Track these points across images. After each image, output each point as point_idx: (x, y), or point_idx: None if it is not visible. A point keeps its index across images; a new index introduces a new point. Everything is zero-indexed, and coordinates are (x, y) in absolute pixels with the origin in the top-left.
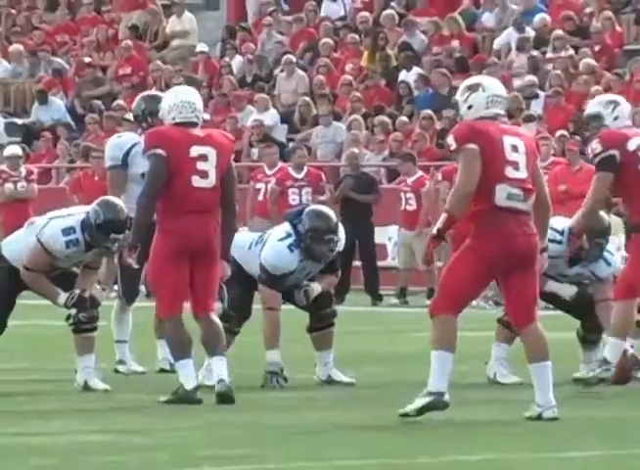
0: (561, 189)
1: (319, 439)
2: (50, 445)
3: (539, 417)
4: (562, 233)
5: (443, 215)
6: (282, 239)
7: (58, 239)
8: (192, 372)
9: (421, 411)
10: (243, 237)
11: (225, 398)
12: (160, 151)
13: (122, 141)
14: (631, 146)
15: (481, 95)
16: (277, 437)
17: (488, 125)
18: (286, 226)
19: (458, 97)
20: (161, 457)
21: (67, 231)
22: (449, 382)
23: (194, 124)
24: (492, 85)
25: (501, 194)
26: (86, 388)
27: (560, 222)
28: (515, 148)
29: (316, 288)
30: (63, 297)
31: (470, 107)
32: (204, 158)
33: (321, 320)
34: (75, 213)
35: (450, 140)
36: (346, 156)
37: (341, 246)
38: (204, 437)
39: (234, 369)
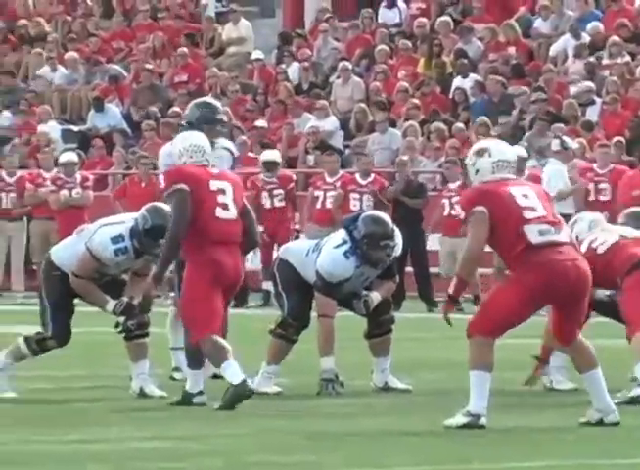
0: (635, 194)
1: (375, 445)
2: (107, 451)
3: (600, 422)
4: None
5: (454, 280)
6: (338, 246)
7: (107, 247)
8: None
9: (461, 428)
10: (300, 244)
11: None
12: (182, 186)
13: None
14: None
15: (487, 160)
16: (333, 443)
17: (494, 184)
18: (342, 233)
19: (467, 161)
20: (216, 464)
21: (115, 239)
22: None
23: (204, 167)
24: (499, 150)
25: (532, 233)
26: (142, 394)
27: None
28: (525, 195)
29: (376, 297)
30: (111, 304)
31: (477, 171)
32: (222, 191)
33: (379, 326)
34: (125, 221)
35: (460, 209)
36: (396, 162)
37: (398, 251)
38: (259, 443)
39: (291, 376)
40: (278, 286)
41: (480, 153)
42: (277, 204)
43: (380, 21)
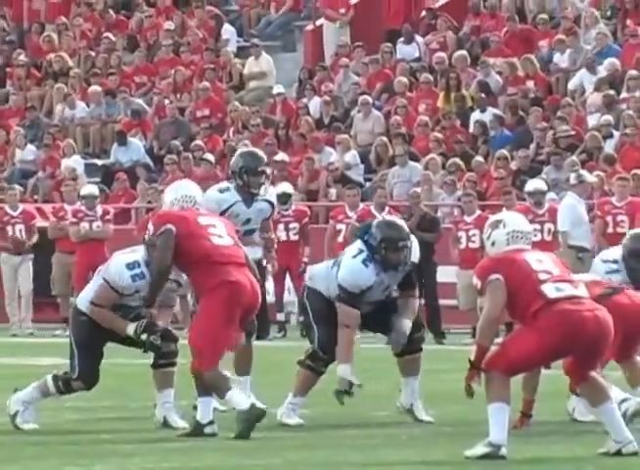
0: None
1: None
2: None
3: (619, 453)
4: (616, 262)
5: (475, 347)
6: (355, 256)
7: (123, 274)
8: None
9: (480, 458)
10: (319, 267)
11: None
12: (168, 225)
13: (223, 198)
14: None
15: (502, 232)
16: None
17: (506, 253)
18: (357, 244)
19: (484, 235)
20: None
21: (131, 265)
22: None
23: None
24: (513, 221)
25: (549, 290)
26: (165, 424)
27: (612, 253)
28: (540, 261)
29: (407, 324)
30: (132, 326)
31: (493, 243)
32: (212, 226)
33: (410, 344)
34: (138, 250)
35: (475, 281)
36: (409, 195)
37: (414, 256)
38: None
39: (317, 406)
40: (309, 316)
41: (494, 225)
42: (292, 237)
43: (399, 56)
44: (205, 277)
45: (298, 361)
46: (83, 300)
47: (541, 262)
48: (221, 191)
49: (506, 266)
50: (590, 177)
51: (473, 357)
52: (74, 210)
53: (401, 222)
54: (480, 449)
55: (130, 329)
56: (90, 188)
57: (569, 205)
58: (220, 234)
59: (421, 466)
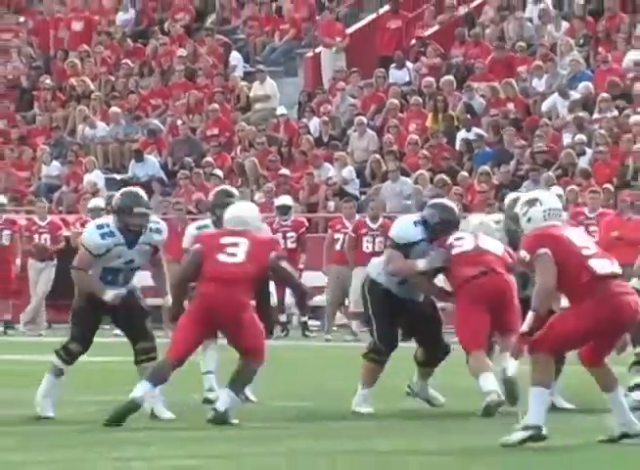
0: (613, 235)
1: (388, 462)
2: (148, 467)
3: (625, 436)
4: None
5: (531, 314)
6: (410, 217)
7: (93, 233)
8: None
9: (521, 443)
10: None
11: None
12: (197, 246)
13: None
14: None
15: (539, 209)
16: (350, 460)
17: (550, 229)
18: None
19: (518, 210)
20: None
21: (100, 226)
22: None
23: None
24: (549, 199)
25: (596, 266)
26: (153, 415)
27: None
28: (580, 237)
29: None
30: (110, 293)
31: (529, 220)
32: (234, 244)
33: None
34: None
35: (523, 254)
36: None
37: None
38: (285, 462)
39: (315, 400)
40: (369, 310)
41: (531, 203)
42: (289, 245)
43: (391, 80)
44: (198, 290)
45: (363, 355)
46: None
47: (581, 238)
48: (199, 227)
49: (551, 242)
50: (559, 190)
51: (529, 325)
52: (82, 220)
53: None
54: (518, 435)
55: (108, 296)
56: (96, 201)
57: None
58: (235, 252)
59: (409, 454)
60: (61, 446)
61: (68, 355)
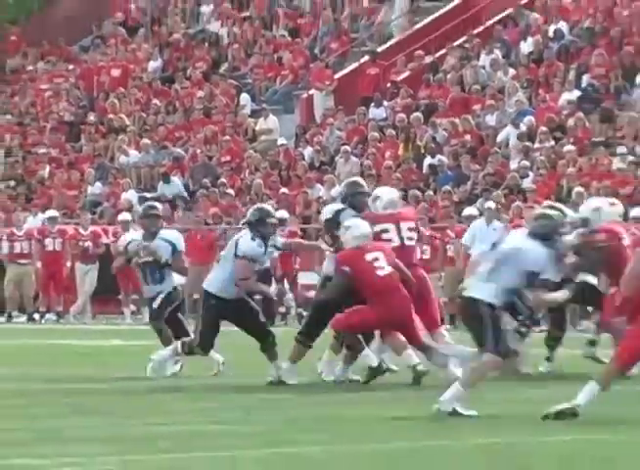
0: None
1: (376, 426)
2: (173, 432)
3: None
4: None
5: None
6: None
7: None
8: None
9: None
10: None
11: None
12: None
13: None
14: None
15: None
16: (341, 425)
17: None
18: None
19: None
20: (258, 440)
21: (253, 237)
22: None
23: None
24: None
25: None
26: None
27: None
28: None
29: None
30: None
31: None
32: (376, 259)
33: None
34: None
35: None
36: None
37: None
38: (288, 427)
39: (311, 376)
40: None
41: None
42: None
43: (370, 116)
44: None
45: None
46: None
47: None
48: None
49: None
50: (492, 204)
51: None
52: (113, 231)
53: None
54: (559, 406)
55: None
56: (124, 215)
57: (475, 226)
58: (382, 266)
59: (396, 419)
60: (100, 414)
61: (189, 353)
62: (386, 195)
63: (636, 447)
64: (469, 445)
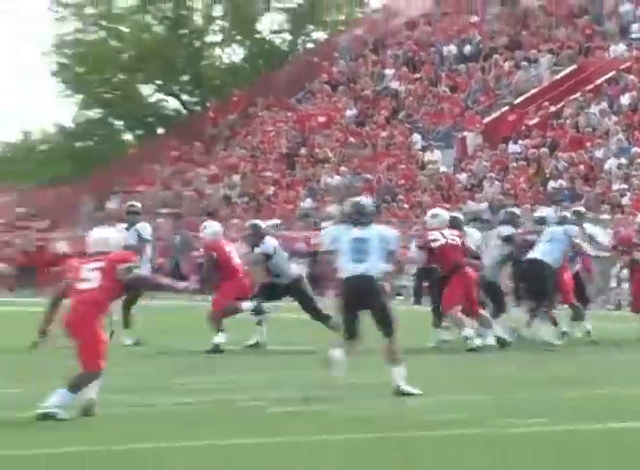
0: None
1: (365, 395)
2: (174, 410)
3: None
4: None
5: None
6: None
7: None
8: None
9: None
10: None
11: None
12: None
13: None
14: None
15: None
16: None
17: None
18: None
19: None
20: (262, 396)
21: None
22: None
23: None
24: None
25: None
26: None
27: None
28: None
29: None
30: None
31: None
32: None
33: None
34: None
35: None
36: None
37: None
38: (279, 391)
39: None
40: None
41: None
42: None
43: (509, 151)
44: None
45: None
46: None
47: None
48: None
49: None
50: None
51: None
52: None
53: None
54: None
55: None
56: (328, 223)
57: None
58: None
59: (384, 386)
60: (124, 390)
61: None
62: (441, 215)
63: None
64: None
